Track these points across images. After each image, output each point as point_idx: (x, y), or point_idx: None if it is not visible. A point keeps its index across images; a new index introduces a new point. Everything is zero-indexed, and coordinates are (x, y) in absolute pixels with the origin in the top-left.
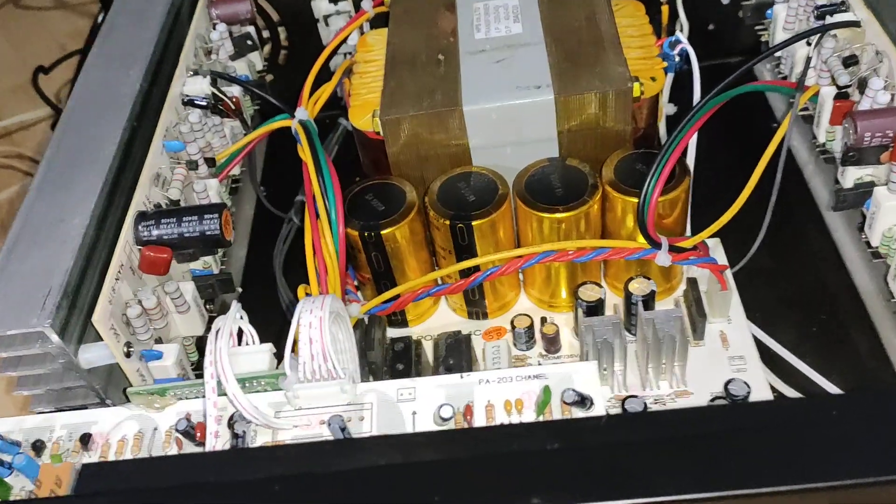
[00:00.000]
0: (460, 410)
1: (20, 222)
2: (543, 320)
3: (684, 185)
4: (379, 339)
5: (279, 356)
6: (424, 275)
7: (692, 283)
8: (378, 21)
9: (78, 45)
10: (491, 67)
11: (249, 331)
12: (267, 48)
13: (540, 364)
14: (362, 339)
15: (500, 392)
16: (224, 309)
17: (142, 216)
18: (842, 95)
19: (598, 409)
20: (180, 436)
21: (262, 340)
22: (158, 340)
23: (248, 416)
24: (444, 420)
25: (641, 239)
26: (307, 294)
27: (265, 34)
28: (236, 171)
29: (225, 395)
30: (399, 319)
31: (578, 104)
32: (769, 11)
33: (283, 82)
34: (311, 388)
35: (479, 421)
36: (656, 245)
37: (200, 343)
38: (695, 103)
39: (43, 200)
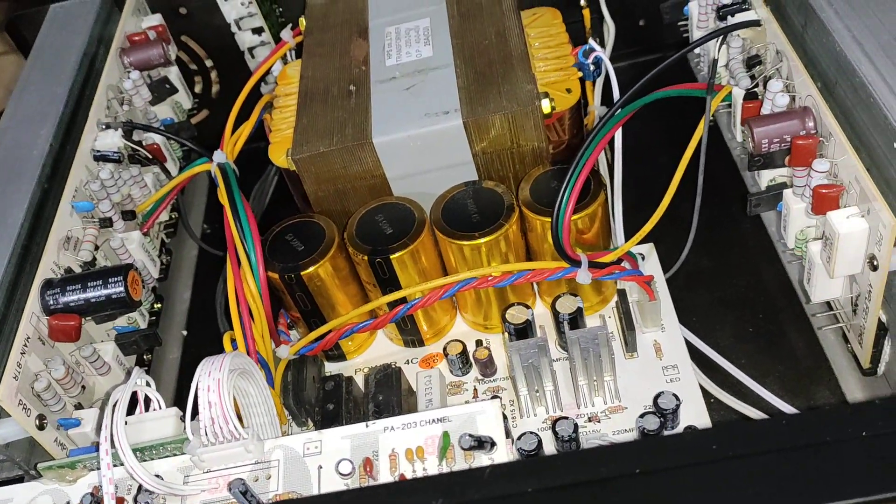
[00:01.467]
0: (362, 463)
1: None
2: (479, 343)
3: (600, 200)
4: (312, 378)
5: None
6: (356, 307)
7: (622, 294)
8: (301, 51)
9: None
10: (401, 95)
11: (156, 397)
12: (200, 83)
13: (475, 388)
14: (294, 380)
15: (404, 439)
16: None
17: (47, 284)
18: (751, 96)
19: (501, 451)
20: None
21: None
22: (79, 406)
23: (150, 488)
24: (345, 475)
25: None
26: (232, 342)
27: (194, 67)
28: (165, 216)
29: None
30: (337, 354)
31: (487, 126)
32: (686, 8)
33: (220, 116)
34: (214, 451)
35: (383, 472)
36: (575, 263)
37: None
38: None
39: None
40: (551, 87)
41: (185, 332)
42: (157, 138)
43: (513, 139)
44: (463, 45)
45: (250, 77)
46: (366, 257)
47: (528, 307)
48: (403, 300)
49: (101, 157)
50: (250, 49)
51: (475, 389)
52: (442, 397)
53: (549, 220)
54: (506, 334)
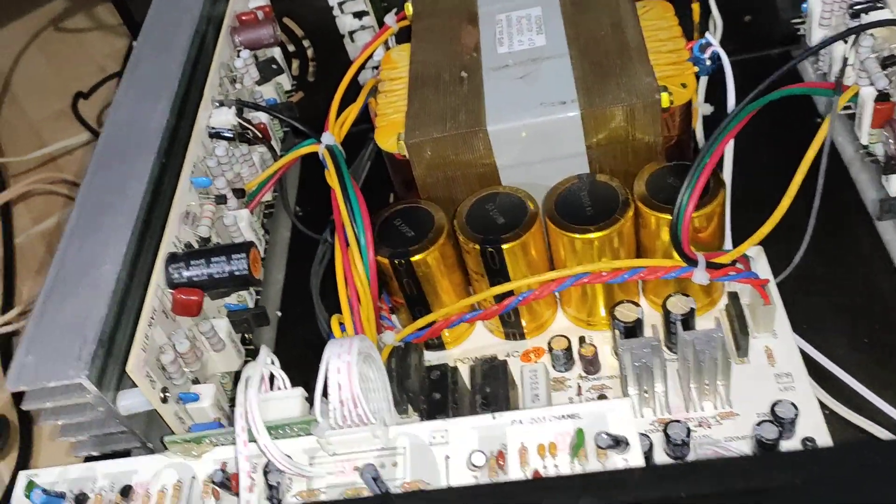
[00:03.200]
0: (494, 454)
1: (55, 269)
2: (582, 340)
3: (720, 199)
4: (415, 366)
5: (310, 399)
6: (459, 297)
7: (733, 297)
8: (403, 36)
9: (116, 66)
10: (515, 83)
11: (280, 375)
12: (295, 65)
13: (579, 385)
14: (398, 367)
15: (533, 434)
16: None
17: (172, 258)
18: (882, 97)
19: (634, 450)
20: (217, 487)
21: (302, 364)
22: (196, 381)
23: (281, 468)
24: (477, 467)
25: (678, 256)
26: (341, 325)
27: (291, 48)
28: (269, 195)
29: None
30: (436, 343)
31: (605, 119)
32: (804, 5)
33: (315, 98)
34: (343, 434)
35: (513, 466)
36: (692, 263)
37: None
38: (729, 110)
39: (75, 245)
40: (666, 82)
41: (279, 313)
42: (264, 118)
43: (629, 133)
44: (577, 35)
45: (347, 60)
46: (477, 246)
47: (637, 305)
48: (511, 293)
49: (216, 135)
50: (350, 33)
51: (579, 387)
52: (547, 393)
53: (667, 216)
54: (615, 332)
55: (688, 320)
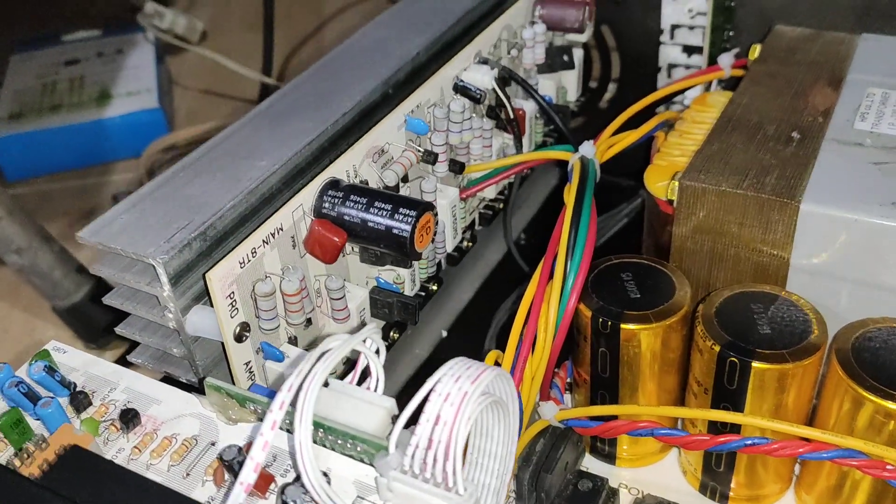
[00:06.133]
0: None
1: (207, 146)
2: None
3: None
4: (567, 462)
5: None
6: (661, 405)
7: None
8: (731, 85)
9: None
10: (863, 167)
11: (377, 371)
12: (593, 82)
13: None
14: (543, 454)
15: None
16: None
17: (331, 185)
18: None
19: None
20: (224, 468)
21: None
22: (293, 340)
23: (307, 485)
24: None
25: None
26: (497, 363)
27: (596, 61)
28: (493, 192)
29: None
30: (605, 449)
31: None
32: None
33: (594, 119)
34: (411, 484)
35: None
36: None
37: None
38: None
39: (244, 131)
40: None
41: (444, 333)
42: (528, 107)
43: None
44: None
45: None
46: (717, 347)
47: None
48: (737, 428)
49: (461, 89)
50: (671, 66)
51: None
52: None
53: None
54: None
55: None
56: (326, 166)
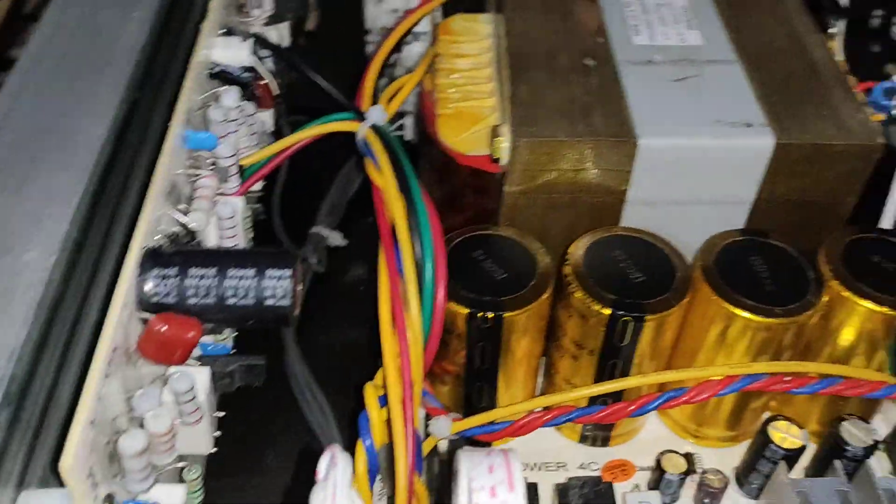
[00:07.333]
0: None
1: None
2: (689, 459)
3: None
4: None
5: None
6: (530, 376)
7: None
8: (448, 10)
9: None
10: (669, 88)
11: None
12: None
13: None
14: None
15: None
16: None
17: (152, 258)
18: None
19: None
20: None
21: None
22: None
23: None
24: None
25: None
26: (381, 398)
27: None
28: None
29: None
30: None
31: (805, 158)
32: None
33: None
34: None
35: None
36: None
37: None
38: None
39: None
40: None
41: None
42: (266, 74)
43: (825, 183)
44: (743, 41)
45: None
46: (607, 310)
47: (799, 426)
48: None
49: (220, 75)
50: None
51: None
52: None
53: (873, 305)
54: (763, 462)
55: (865, 458)
56: (126, 236)
